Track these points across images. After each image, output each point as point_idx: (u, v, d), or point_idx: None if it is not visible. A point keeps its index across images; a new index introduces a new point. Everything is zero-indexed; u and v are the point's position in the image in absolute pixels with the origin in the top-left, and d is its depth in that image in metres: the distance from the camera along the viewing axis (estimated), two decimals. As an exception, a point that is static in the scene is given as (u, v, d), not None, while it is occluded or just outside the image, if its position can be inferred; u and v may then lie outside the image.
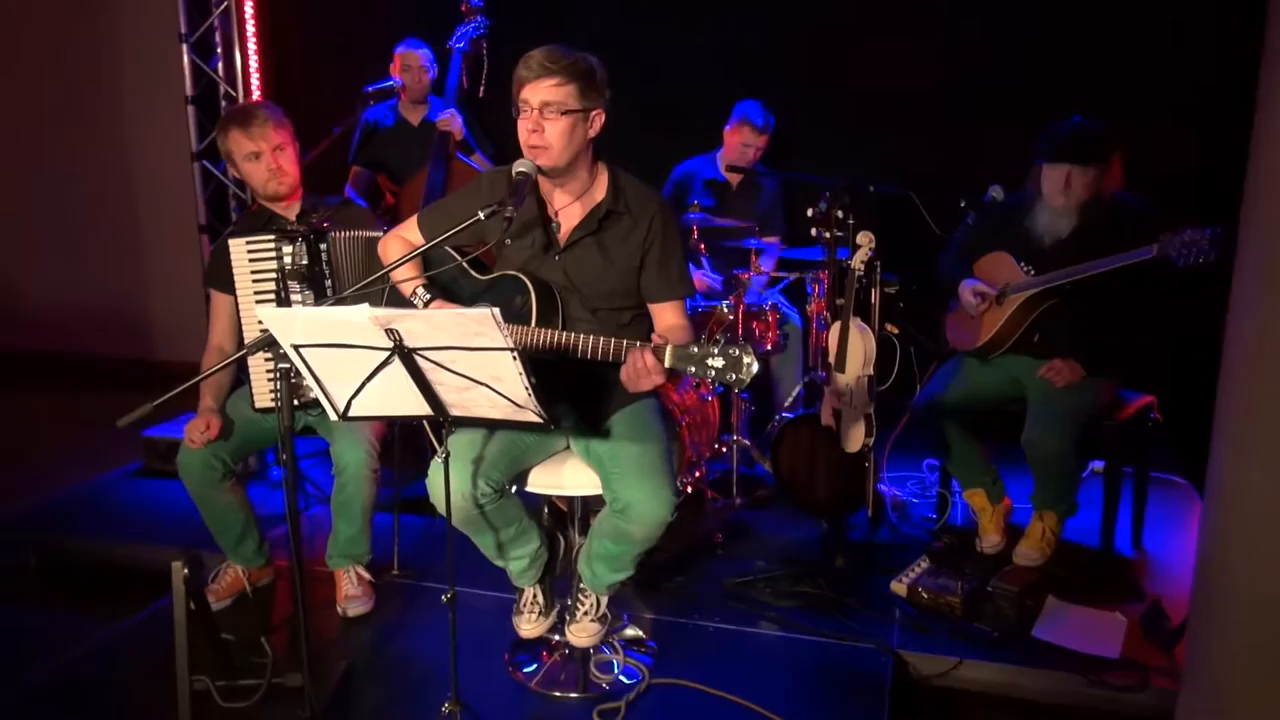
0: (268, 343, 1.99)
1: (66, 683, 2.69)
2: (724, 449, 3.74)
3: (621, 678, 2.63)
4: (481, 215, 2.14)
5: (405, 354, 1.89)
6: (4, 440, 4.93)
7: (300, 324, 1.88)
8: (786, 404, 3.94)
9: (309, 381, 2.01)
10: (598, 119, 2.28)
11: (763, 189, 4.22)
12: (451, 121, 4.11)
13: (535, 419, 2.00)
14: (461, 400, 2.00)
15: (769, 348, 3.76)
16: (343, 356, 1.94)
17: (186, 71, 4.77)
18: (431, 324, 1.83)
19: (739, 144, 4.08)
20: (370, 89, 4.26)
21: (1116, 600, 2.96)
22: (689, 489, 3.46)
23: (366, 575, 3.03)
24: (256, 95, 4.87)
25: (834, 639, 2.79)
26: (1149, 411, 3.28)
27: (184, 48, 4.74)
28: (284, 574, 3.19)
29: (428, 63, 4.27)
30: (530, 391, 1.93)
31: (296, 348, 1.93)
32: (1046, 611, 2.89)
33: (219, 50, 4.84)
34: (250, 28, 4.84)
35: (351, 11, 5.05)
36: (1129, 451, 3.30)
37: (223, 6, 4.77)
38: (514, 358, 1.86)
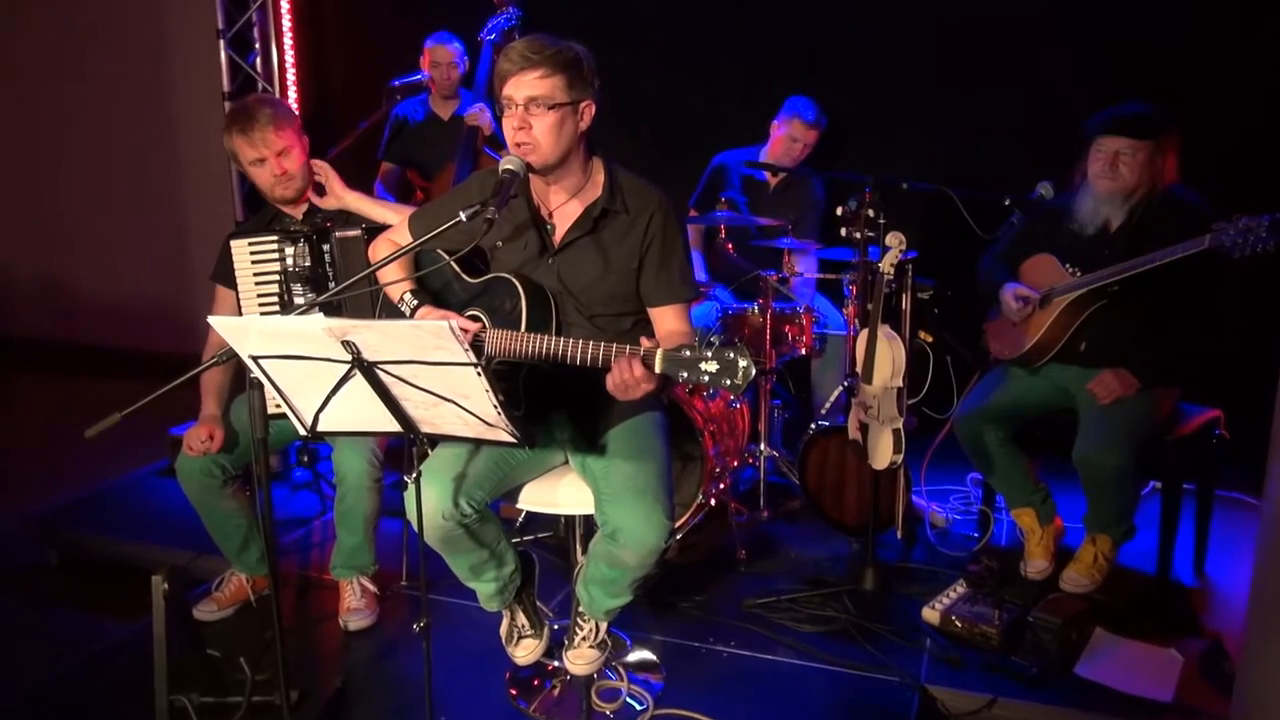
0: (235, 353, 1.88)
1: (57, 691, 2.64)
2: (751, 459, 3.56)
3: (632, 702, 2.49)
4: (463, 216, 2.00)
5: (365, 367, 1.76)
6: (44, 433, 4.99)
7: (254, 334, 1.77)
8: (824, 410, 3.73)
9: (272, 394, 1.90)
10: (588, 111, 2.12)
11: (803, 197, 3.97)
12: (481, 116, 3.99)
13: (508, 438, 1.86)
14: (430, 417, 1.87)
15: (803, 352, 3.56)
16: (305, 369, 1.82)
17: (224, 67, 4.77)
18: (387, 335, 1.70)
19: (786, 138, 3.88)
20: (397, 83, 4.18)
21: (1173, 635, 2.71)
22: (713, 501, 3.29)
23: (371, 587, 2.94)
24: (293, 91, 4.85)
25: (856, 669, 2.61)
26: (1214, 427, 3.00)
27: (221, 43, 4.73)
28: (290, 583, 3.12)
29: (458, 57, 4.16)
30: (499, 409, 1.78)
31: (255, 359, 1.82)
32: (1093, 646, 2.66)
33: (257, 46, 4.83)
34: (286, 23, 4.82)
35: (388, 6, 4.97)
36: (1190, 470, 3.02)
37: (259, 2, 4.74)
38: (478, 373, 1.72)
